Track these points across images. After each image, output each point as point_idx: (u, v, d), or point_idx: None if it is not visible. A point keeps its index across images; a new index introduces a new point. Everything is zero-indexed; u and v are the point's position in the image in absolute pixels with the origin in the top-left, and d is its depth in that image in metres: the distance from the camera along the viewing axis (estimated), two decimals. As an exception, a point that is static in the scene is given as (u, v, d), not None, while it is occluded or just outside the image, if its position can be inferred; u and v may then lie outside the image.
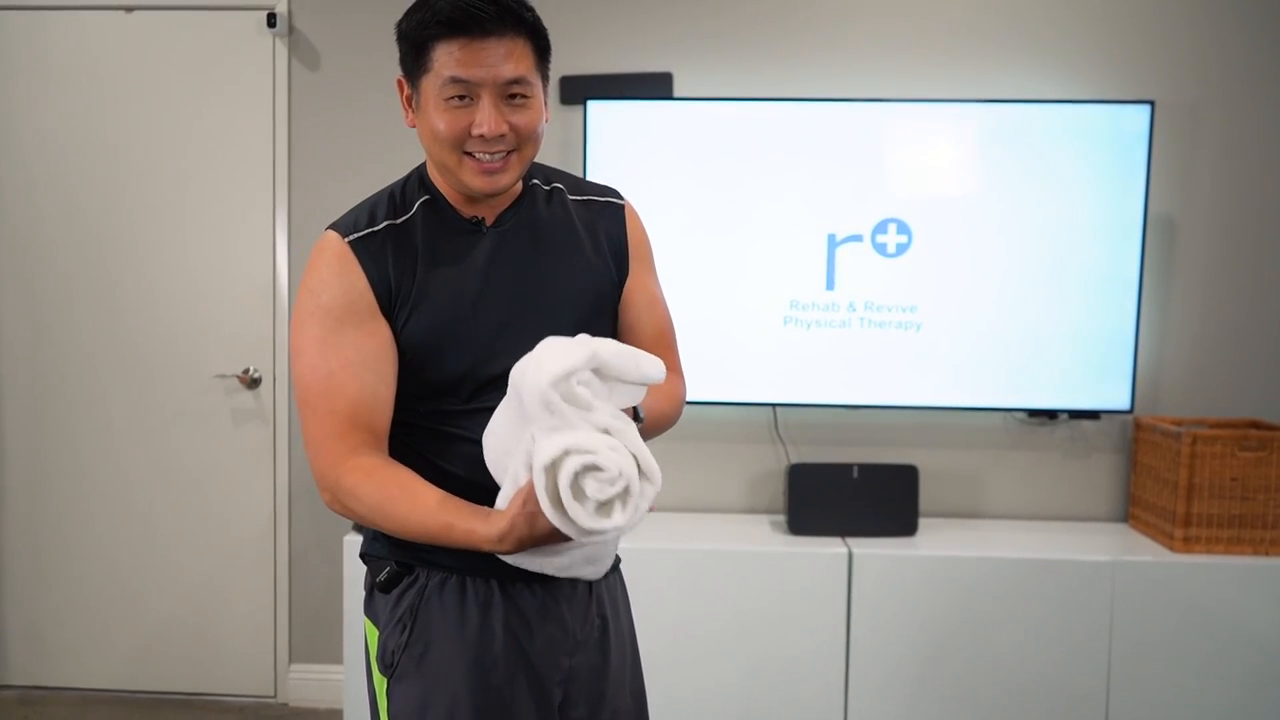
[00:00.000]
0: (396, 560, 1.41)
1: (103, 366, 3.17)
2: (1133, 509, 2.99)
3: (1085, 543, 2.81)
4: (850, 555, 2.70)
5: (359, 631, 2.73)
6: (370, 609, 1.45)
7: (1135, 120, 2.83)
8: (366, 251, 1.31)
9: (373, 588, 1.44)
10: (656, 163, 2.90)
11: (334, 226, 1.35)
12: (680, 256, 2.88)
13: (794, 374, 2.91)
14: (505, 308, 1.36)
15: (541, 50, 1.32)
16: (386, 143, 3.08)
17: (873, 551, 2.70)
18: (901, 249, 2.89)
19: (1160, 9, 2.96)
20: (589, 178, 2.83)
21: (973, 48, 2.98)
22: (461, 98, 1.28)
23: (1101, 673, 2.66)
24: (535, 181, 1.45)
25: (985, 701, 2.68)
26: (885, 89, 2.97)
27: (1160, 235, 2.97)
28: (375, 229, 1.34)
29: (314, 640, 3.20)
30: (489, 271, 1.36)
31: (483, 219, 1.38)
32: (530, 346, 1.25)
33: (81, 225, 3.15)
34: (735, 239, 2.91)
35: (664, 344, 1.50)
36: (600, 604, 1.47)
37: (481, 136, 1.28)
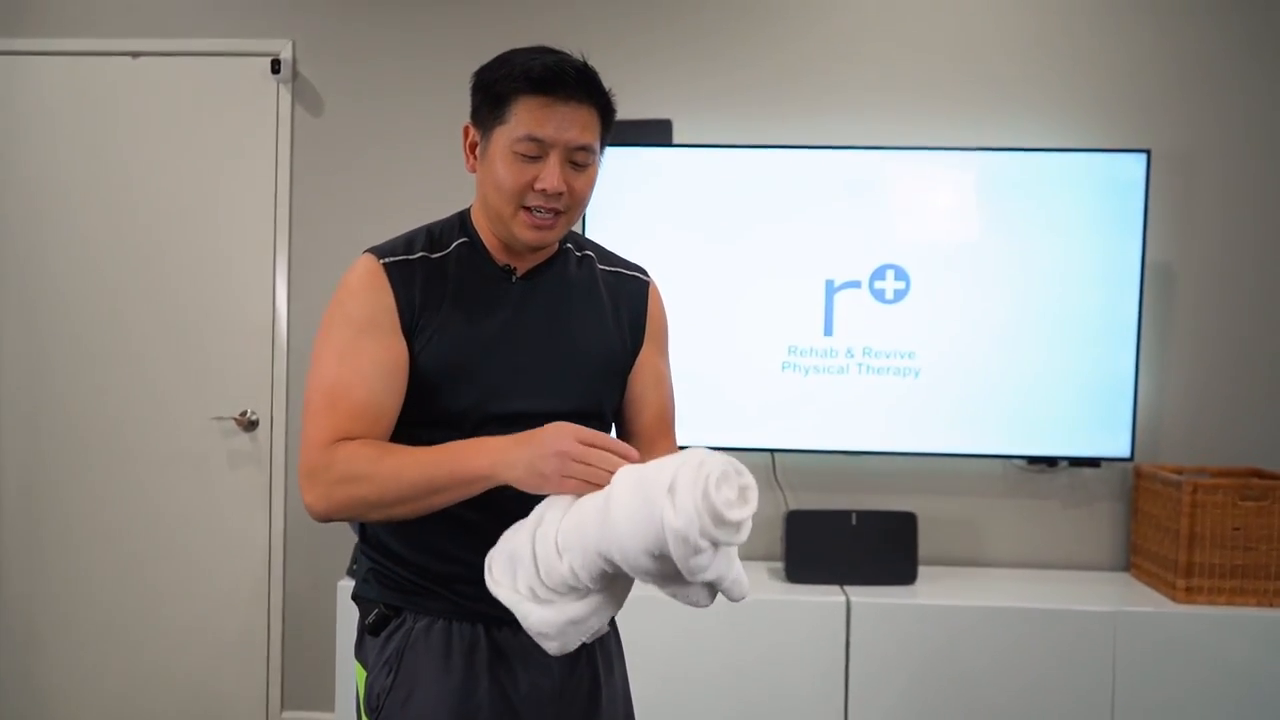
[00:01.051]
0: (385, 603, 1.42)
1: (101, 408, 3.17)
2: (1134, 558, 2.96)
3: (1086, 592, 2.78)
4: (848, 604, 2.67)
5: (351, 676, 2.70)
6: (360, 652, 1.46)
7: (1132, 168, 2.84)
8: (398, 274, 1.37)
9: (363, 630, 1.45)
10: (656, 208, 2.91)
11: (371, 250, 1.41)
12: (679, 302, 2.86)
13: (792, 420, 2.90)
14: (520, 353, 1.40)
15: (607, 124, 1.39)
16: (387, 188, 3.11)
17: (871, 600, 2.68)
18: (900, 295, 2.89)
19: (1156, 58, 2.98)
20: (589, 224, 2.87)
21: (970, 96, 3.01)
22: (531, 155, 1.33)
23: (1104, 725, 2.62)
24: (569, 246, 1.51)
25: (986, 754, 2.64)
26: (883, 137, 2.99)
27: (1159, 282, 2.97)
28: (410, 257, 1.40)
29: (307, 686, 3.16)
30: (511, 318, 1.41)
31: (515, 268, 1.43)
32: (538, 392, 1.37)
33: (84, 268, 3.17)
34: (734, 284, 2.91)
35: (665, 422, 1.54)
36: (592, 658, 1.46)
37: (543, 191, 1.33)
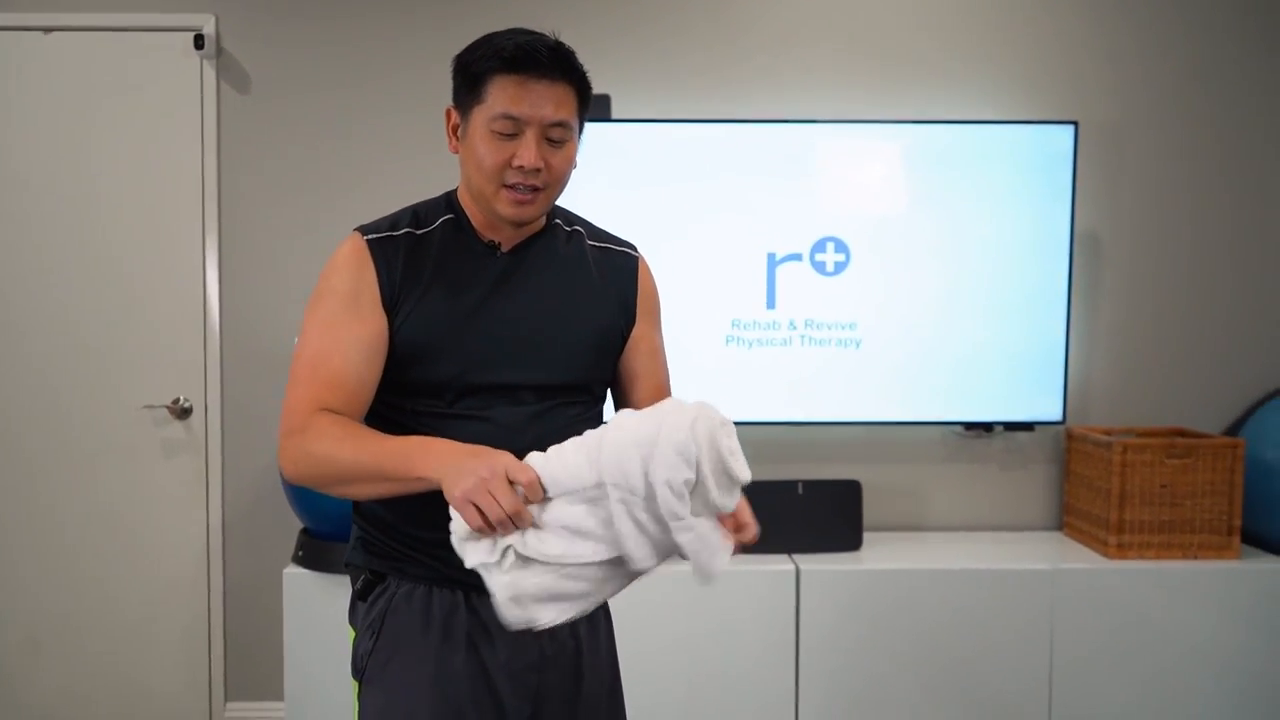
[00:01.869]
0: (371, 569, 1.46)
1: (24, 399, 3.05)
2: (1068, 517, 3.06)
3: (1024, 552, 2.87)
4: (798, 572, 2.71)
5: (302, 665, 2.67)
6: (351, 616, 1.51)
7: (1060, 140, 2.92)
8: (381, 250, 1.41)
9: (353, 596, 1.50)
10: (595, 185, 2.88)
11: (358, 228, 1.45)
12: (622, 277, 2.88)
13: (737, 392, 2.93)
14: (502, 325, 1.43)
15: (584, 101, 1.42)
16: (319, 166, 3.04)
17: (819, 568, 2.72)
18: (840, 267, 2.93)
19: (1083, 32, 3.06)
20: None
21: (903, 70, 3.05)
22: (508, 134, 1.36)
23: (1044, 678, 2.71)
24: (557, 221, 1.53)
25: (934, 711, 2.71)
26: (821, 110, 3.02)
27: (1087, 251, 3.07)
28: (394, 234, 1.44)
29: (253, 677, 3.10)
30: (494, 290, 1.44)
31: (498, 243, 1.46)
32: (521, 365, 1.41)
33: (5, 254, 3.03)
34: (676, 260, 2.91)
35: (662, 395, 1.57)
36: (575, 627, 1.46)
37: (521, 168, 1.36)
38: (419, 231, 1.45)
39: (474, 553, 1.19)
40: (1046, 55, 3.06)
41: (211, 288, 3.05)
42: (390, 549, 1.44)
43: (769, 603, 2.70)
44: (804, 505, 2.86)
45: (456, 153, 1.44)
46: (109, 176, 3.03)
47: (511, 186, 1.37)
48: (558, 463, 1.21)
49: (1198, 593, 2.72)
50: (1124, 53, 3.06)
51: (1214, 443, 2.80)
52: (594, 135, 2.91)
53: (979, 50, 3.05)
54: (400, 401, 1.42)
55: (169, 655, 3.10)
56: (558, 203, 1.53)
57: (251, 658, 3.10)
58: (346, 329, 1.38)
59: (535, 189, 1.38)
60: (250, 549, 3.08)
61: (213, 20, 3.00)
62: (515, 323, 1.43)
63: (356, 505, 1.49)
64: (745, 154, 2.91)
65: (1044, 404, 2.97)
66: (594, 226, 1.59)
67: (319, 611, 2.66)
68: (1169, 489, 2.79)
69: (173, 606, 3.09)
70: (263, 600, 3.03)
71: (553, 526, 1.18)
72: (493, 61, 1.35)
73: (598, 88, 2.96)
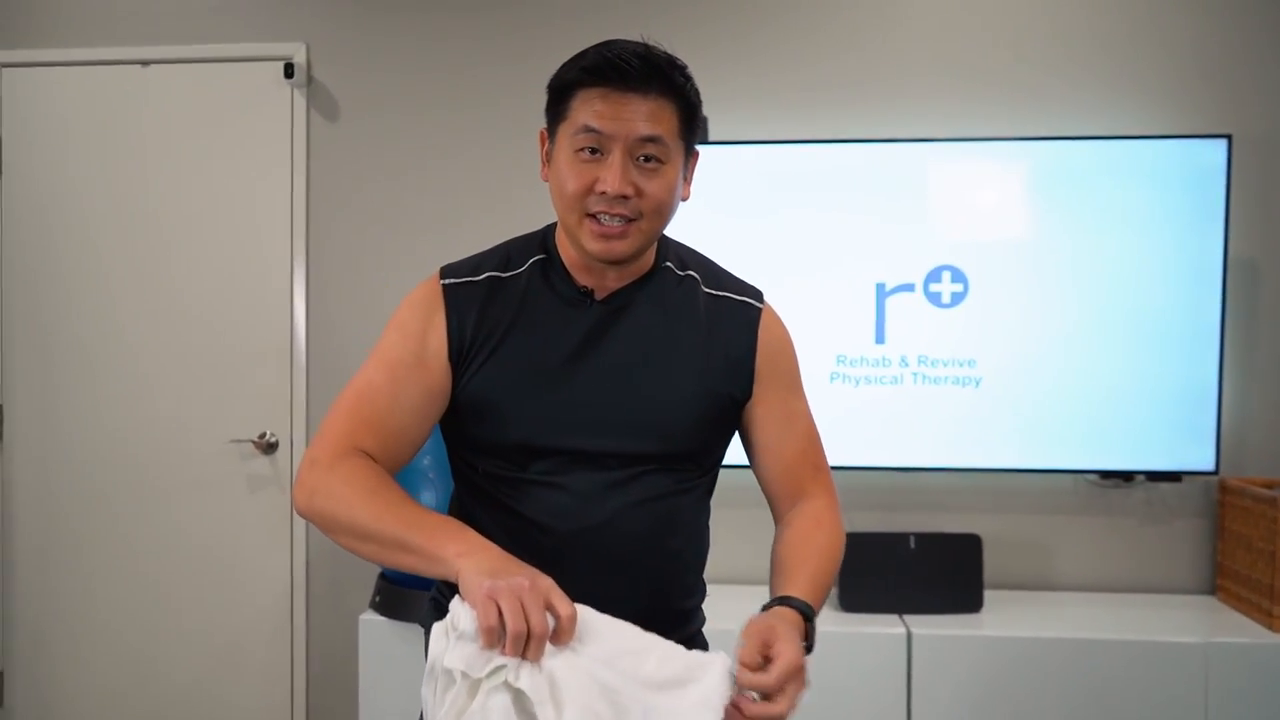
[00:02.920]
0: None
1: (114, 430, 3.04)
2: (1220, 581, 2.71)
3: (1170, 620, 2.54)
4: (909, 635, 2.45)
5: (376, 706, 2.54)
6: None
7: (1211, 155, 2.60)
8: (455, 298, 1.30)
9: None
10: (692, 209, 2.69)
11: (443, 268, 1.34)
12: (717, 310, 2.69)
13: (842, 434, 2.68)
14: (584, 388, 1.27)
15: (688, 118, 1.25)
16: (408, 196, 2.95)
17: (934, 631, 2.46)
18: (957, 298, 2.68)
19: (1234, 37, 2.74)
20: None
21: (1031, 81, 2.78)
22: (593, 151, 1.21)
23: (1195, 768, 2.38)
24: (668, 264, 1.35)
25: (1064, 800, 2.41)
26: (937, 128, 2.77)
27: (1242, 279, 2.73)
28: (475, 279, 1.31)
29: (331, 717, 3.00)
30: (580, 346, 1.28)
31: (591, 290, 1.30)
32: (602, 433, 1.25)
33: (97, 284, 3.04)
34: (777, 290, 2.66)
35: (808, 464, 1.37)
36: None
37: (604, 194, 1.20)
38: (505, 275, 1.31)
39: (460, 654, 0.98)
40: (1194, 62, 2.75)
41: (299, 320, 2.99)
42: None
43: (877, 669, 2.44)
44: (917, 561, 2.60)
45: (547, 180, 1.29)
46: (200, 208, 3.01)
47: (594, 216, 1.21)
48: (607, 627, 1.04)
49: (1383, 675, 2.35)
50: (1284, 58, 2.73)
51: (1400, 500, 2.43)
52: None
53: (1117, 58, 2.76)
54: (473, 459, 1.31)
55: (252, 691, 3.02)
56: (677, 240, 1.36)
57: (330, 701, 2.99)
58: (405, 371, 1.27)
59: (627, 220, 1.21)
60: (333, 589, 2.99)
61: (303, 49, 2.96)
62: (598, 386, 1.26)
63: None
64: (852, 177, 2.69)
65: (1193, 451, 2.64)
66: (716, 268, 1.39)
67: (394, 660, 2.54)
68: (1345, 553, 2.43)
69: (255, 645, 3.02)
70: (342, 640, 2.93)
71: (558, 678, 0.98)
72: (576, 72, 1.22)
73: (694, 108, 2.84)
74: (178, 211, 3.02)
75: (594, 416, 1.26)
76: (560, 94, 1.23)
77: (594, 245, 1.22)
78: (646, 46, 1.22)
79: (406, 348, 1.27)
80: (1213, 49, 2.74)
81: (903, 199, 2.68)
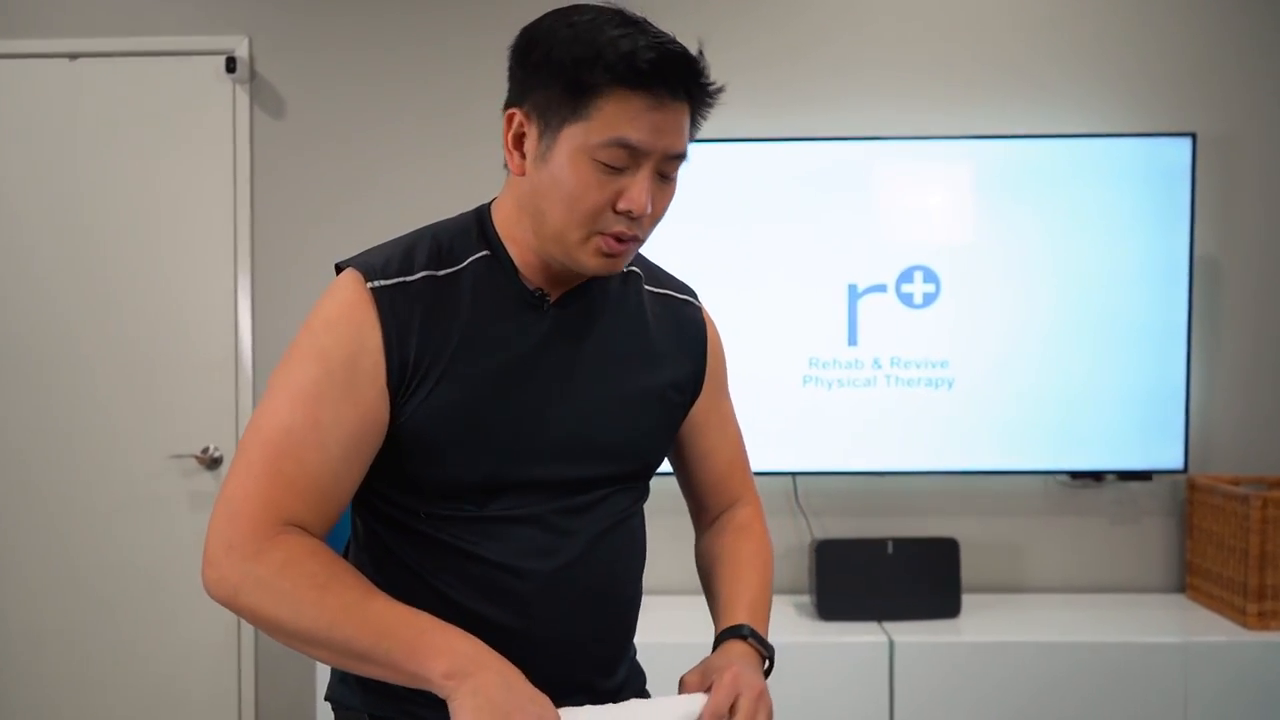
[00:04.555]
0: (372, 713, 1.12)
1: (47, 448, 2.84)
2: (1191, 579, 2.71)
3: (1147, 619, 2.53)
4: (890, 643, 2.40)
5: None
6: None
7: (1176, 154, 2.61)
8: (391, 304, 1.06)
9: None
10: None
11: (356, 265, 1.08)
12: (687, 312, 2.62)
13: (815, 438, 2.64)
14: (552, 407, 1.11)
15: (695, 123, 1.10)
16: (358, 195, 2.82)
17: (915, 639, 2.41)
18: (929, 299, 2.64)
19: (1198, 35, 2.75)
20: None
21: (997, 80, 2.76)
22: (618, 167, 1.03)
23: (1175, 768, 2.36)
24: None
25: (1047, 806, 2.38)
26: (907, 127, 2.73)
27: (1206, 278, 2.74)
28: (409, 279, 1.07)
29: (284, 751, 2.85)
30: (539, 359, 1.11)
31: (547, 295, 1.13)
32: (569, 456, 1.10)
33: (24, 291, 2.84)
34: (747, 292, 2.64)
35: (739, 469, 1.32)
36: None
37: (628, 213, 1.04)
38: (441, 273, 1.09)
39: None
40: (1158, 61, 2.75)
41: (244, 328, 2.83)
42: (397, 690, 1.05)
43: (860, 678, 2.39)
44: (895, 566, 2.55)
45: (521, 174, 1.07)
46: (137, 207, 2.84)
47: (604, 233, 1.05)
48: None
49: (1355, 669, 2.37)
50: (1244, 57, 2.74)
51: (1366, 495, 2.45)
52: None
53: (1083, 57, 2.76)
54: (412, 503, 1.10)
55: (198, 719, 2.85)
56: None
57: (284, 729, 2.84)
58: (332, 409, 1.02)
59: (634, 237, 1.07)
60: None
61: (245, 42, 2.81)
62: (565, 404, 1.11)
63: None
64: (823, 176, 2.63)
65: (1162, 450, 2.64)
66: (651, 264, 1.27)
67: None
68: (1316, 549, 2.44)
69: (201, 668, 2.85)
70: (296, 665, 2.78)
71: None
72: (619, 70, 1.00)
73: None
74: (114, 214, 2.84)
75: (564, 440, 1.11)
76: (584, 88, 1.01)
77: (595, 262, 1.07)
78: (676, 42, 1.05)
79: (330, 378, 1.02)
80: (1177, 47, 2.75)
81: (873, 199, 2.64)
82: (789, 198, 2.64)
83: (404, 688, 1.00)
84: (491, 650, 0.96)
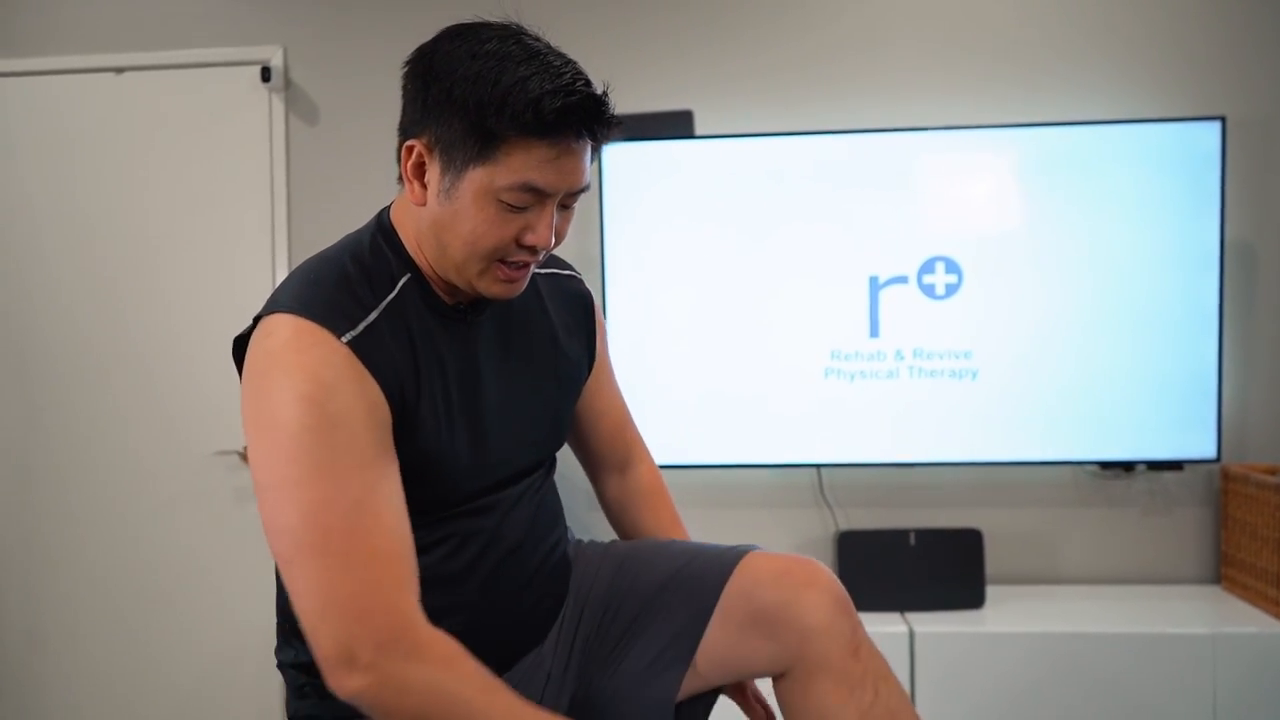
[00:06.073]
0: (336, 719, 1.15)
1: (94, 447, 2.97)
2: (1226, 570, 2.67)
3: (1176, 611, 2.50)
4: (911, 633, 2.41)
5: None
6: None
7: (1205, 139, 2.56)
8: (370, 354, 1.05)
9: None
10: (679, 207, 2.67)
11: (314, 317, 1.03)
12: (708, 307, 2.65)
13: (839, 431, 2.65)
14: (499, 411, 1.19)
15: (596, 154, 1.13)
16: (391, 200, 2.89)
17: (937, 629, 2.41)
18: (951, 290, 2.63)
19: (1226, 18, 2.70)
20: (606, 226, 2.64)
21: (1020, 67, 2.74)
22: (521, 207, 1.06)
23: (1205, 761, 2.33)
24: None
25: (1073, 797, 2.37)
26: (926, 117, 2.73)
27: (1239, 264, 2.69)
28: (369, 320, 1.07)
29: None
30: (478, 370, 1.17)
31: (466, 306, 1.18)
32: (524, 451, 1.20)
33: (75, 295, 2.98)
34: (768, 286, 2.66)
35: (629, 423, 1.45)
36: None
37: (531, 247, 1.08)
38: (383, 304, 1.09)
39: None
40: (1187, 44, 2.71)
41: (282, 328, 2.93)
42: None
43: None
44: (917, 557, 2.56)
45: (422, 204, 1.09)
46: (180, 215, 2.95)
47: (504, 262, 1.09)
48: None
49: (1393, 662, 2.31)
50: (1274, 37, 2.68)
51: (1406, 484, 2.39)
52: (676, 154, 2.70)
53: (1106, 41, 2.72)
54: None
55: (244, 712, 2.96)
56: None
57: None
58: (376, 471, 1.01)
59: (532, 262, 1.11)
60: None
61: (280, 52, 2.90)
62: (507, 405, 1.19)
63: (289, 641, 1.21)
64: (842, 169, 2.64)
65: (1194, 439, 2.59)
66: None
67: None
68: (1352, 538, 2.39)
69: (249, 662, 2.96)
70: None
71: None
72: (525, 121, 1.01)
73: (678, 103, 2.79)
74: (157, 219, 2.96)
75: (510, 444, 1.19)
76: (489, 135, 1.02)
77: (496, 289, 1.10)
78: (588, 86, 1.05)
79: (354, 435, 1.00)
80: (1205, 30, 2.70)
81: (893, 190, 2.64)
82: (809, 191, 2.65)
83: None
84: None
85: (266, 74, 2.87)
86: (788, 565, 1.21)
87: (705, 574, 1.24)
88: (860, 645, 1.19)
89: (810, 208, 2.65)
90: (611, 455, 1.43)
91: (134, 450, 2.97)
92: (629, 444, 1.44)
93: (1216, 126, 2.55)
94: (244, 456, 2.93)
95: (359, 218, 3.11)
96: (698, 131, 2.76)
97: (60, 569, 3.00)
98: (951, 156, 2.64)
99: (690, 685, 1.23)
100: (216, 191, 2.94)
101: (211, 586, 2.96)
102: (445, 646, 1.01)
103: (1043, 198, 2.61)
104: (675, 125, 2.76)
